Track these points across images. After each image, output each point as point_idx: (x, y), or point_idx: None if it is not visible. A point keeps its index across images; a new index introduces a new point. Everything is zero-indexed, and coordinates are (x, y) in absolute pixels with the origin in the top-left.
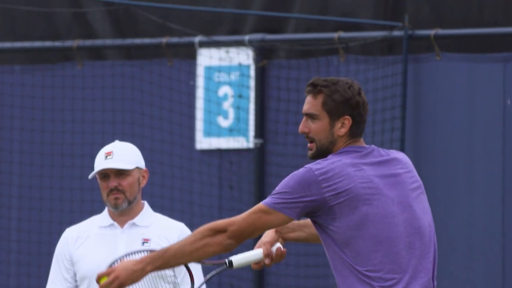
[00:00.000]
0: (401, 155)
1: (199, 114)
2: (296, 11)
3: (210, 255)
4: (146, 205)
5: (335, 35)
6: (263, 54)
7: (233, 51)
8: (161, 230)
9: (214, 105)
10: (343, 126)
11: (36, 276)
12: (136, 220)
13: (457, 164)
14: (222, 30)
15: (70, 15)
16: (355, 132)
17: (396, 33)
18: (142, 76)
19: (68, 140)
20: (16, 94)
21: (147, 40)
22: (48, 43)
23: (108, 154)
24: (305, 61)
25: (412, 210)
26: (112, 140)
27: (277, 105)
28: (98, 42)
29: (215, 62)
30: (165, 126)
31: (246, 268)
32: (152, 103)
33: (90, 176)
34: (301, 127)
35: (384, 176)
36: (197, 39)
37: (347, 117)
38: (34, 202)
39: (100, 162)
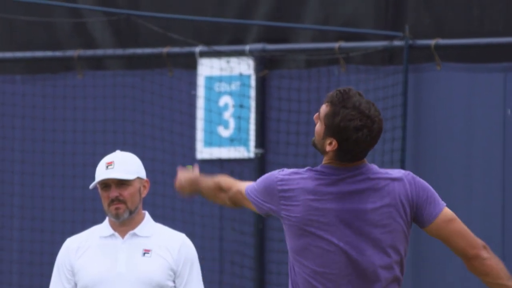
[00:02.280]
0: (392, 187)
1: (200, 124)
2: (296, 21)
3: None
4: (147, 215)
5: (336, 45)
6: (263, 64)
7: (234, 61)
8: (162, 240)
9: (215, 115)
10: (329, 145)
11: (38, 286)
12: (137, 230)
13: (457, 173)
14: (223, 40)
15: (71, 25)
16: (341, 157)
17: (397, 43)
18: (143, 86)
19: (70, 150)
20: (18, 104)
21: (148, 50)
22: (49, 53)
23: (109, 164)
24: (306, 71)
25: (359, 251)
26: (113, 150)
27: (278, 115)
28: (99, 52)
29: (216, 72)
30: (166, 136)
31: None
32: (153, 113)
33: (91, 186)
34: (316, 116)
35: (344, 211)
36: (197, 49)
37: (335, 141)
38: (36, 212)
39: (101, 172)
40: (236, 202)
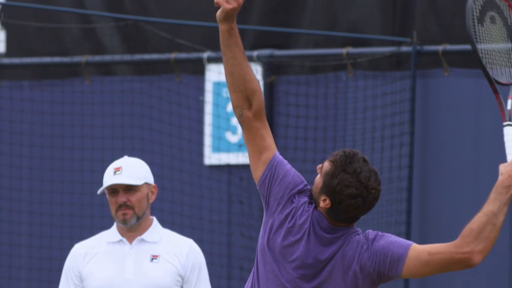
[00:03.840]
0: (351, 252)
1: (208, 130)
2: (301, 27)
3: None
4: (155, 221)
5: (343, 50)
6: (271, 69)
7: None
8: (170, 246)
9: (223, 121)
10: (323, 201)
11: None
12: (145, 236)
13: (464, 178)
14: None
15: (79, 31)
16: (332, 215)
17: (405, 48)
18: (151, 92)
19: (78, 156)
20: (26, 110)
21: (155, 56)
22: (57, 59)
23: (117, 170)
24: (314, 76)
25: None
26: (121, 156)
27: (286, 121)
28: (107, 57)
29: (223, 78)
30: (174, 142)
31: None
32: (161, 118)
33: (99, 192)
34: (319, 166)
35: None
36: (205, 54)
37: (328, 200)
38: (44, 218)
39: (109, 178)
40: (255, 113)
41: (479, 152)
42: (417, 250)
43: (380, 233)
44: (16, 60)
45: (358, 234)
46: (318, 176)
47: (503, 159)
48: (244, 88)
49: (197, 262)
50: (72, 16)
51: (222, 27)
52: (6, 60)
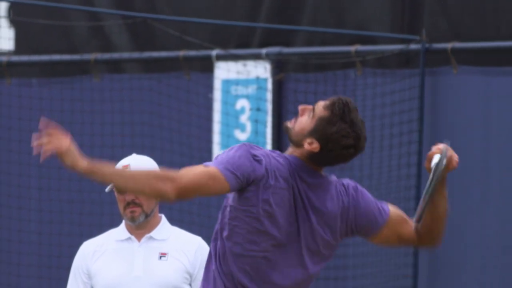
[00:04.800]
0: (331, 205)
1: (217, 127)
2: (309, 24)
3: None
4: (164, 219)
5: (352, 48)
6: (280, 67)
7: (250, 64)
8: (179, 244)
9: (232, 118)
10: (310, 145)
11: None
12: (153, 233)
13: (473, 176)
14: (240, 43)
15: (88, 29)
16: (313, 159)
17: (413, 46)
18: (160, 89)
19: (87, 153)
20: (35, 108)
21: (164, 53)
22: (66, 56)
23: (125, 167)
24: (322, 74)
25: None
26: (131, 153)
27: None
28: (116, 55)
29: (232, 75)
30: (183, 139)
31: None
32: (170, 116)
33: (107, 189)
34: (303, 107)
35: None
36: (214, 52)
37: (318, 145)
38: (53, 216)
39: None
40: (193, 190)
41: (488, 150)
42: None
43: (360, 187)
44: (25, 58)
45: (332, 180)
46: (305, 118)
47: None
48: (160, 192)
49: (206, 259)
50: (81, 14)
51: (81, 173)
52: (15, 58)
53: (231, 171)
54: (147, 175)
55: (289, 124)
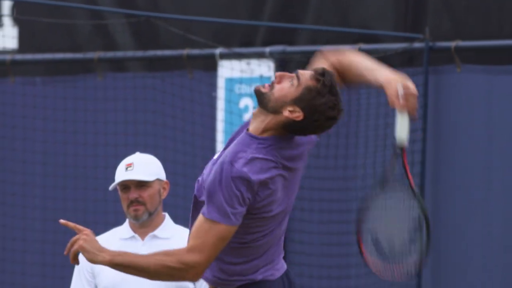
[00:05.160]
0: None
1: (220, 126)
2: (312, 23)
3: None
4: (167, 217)
5: (355, 47)
6: (283, 66)
7: (254, 63)
8: (183, 242)
9: (236, 117)
10: (291, 113)
11: None
12: (157, 232)
13: (476, 175)
14: (243, 42)
15: (91, 27)
16: (292, 129)
17: (417, 45)
18: (164, 88)
19: (91, 152)
20: (38, 106)
21: (168, 52)
22: (69, 55)
23: (128, 166)
24: None
25: None
26: (134, 152)
27: None
28: (119, 54)
29: (236, 74)
30: (187, 138)
31: None
32: (174, 115)
33: (110, 188)
34: (281, 74)
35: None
36: (218, 51)
37: (302, 114)
38: (57, 214)
39: (121, 174)
40: (213, 257)
41: (491, 148)
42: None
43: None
44: (28, 56)
45: None
46: (286, 85)
47: None
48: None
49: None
50: (84, 12)
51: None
52: (19, 56)
53: (232, 214)
54: (168, 268)
55: (262, 89)
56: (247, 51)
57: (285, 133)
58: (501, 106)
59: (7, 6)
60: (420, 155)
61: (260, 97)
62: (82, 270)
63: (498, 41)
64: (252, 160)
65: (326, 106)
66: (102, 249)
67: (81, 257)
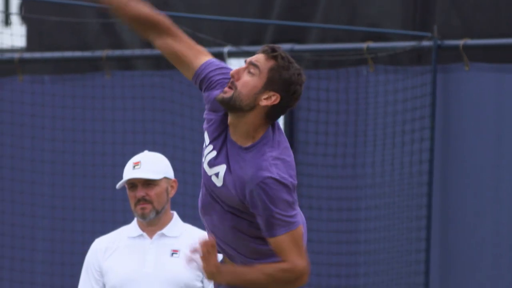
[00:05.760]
0: None
1: None
2: (321, 21)
3: None
4: (175, 216)
5: (364, 45)
6: None
7: None
8: (191, 240)
9: None
10: (267, 99)
11: (70, 286)
12: (165, 230)
13: (485, 173)
14: (251, 40)
15: (99, 25)
16: (274, 114)
17: (425, 43)
18: (172, 86)
19: (99, 150)
20: (47, 104)
21: None
22: (77, 53)
23: (136, 164)
24: (335, 71)
25: None
26: (143, 150)
27: (307, 115)
28: (127, 52)
29: None
30: (196, 136)
31: None
32: (182, 113)
33: (118, 186)
34: (235, 72)
35: None
36: (226, 49)
37: (277, 95)
38: (66, 212)
39: (128, 172)
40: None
41: (500, 146)
42: None
43: None
44: (37, 55)
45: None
46: (248, 78)
47: None
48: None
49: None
50: (92, 11)
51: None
52: (27, 55)
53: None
54: (284, 279)
55: (225, 94)
56: (256, 49)
57: (269, 122)
58: (509, 105)
59: (15, 4)
60: (428, 154)
61: (230, 103)
62: (90, 269)
63: (506, 39)
64: (277, 164)
65: (295, 75)
66: (220, 269)
67: (88, 257)
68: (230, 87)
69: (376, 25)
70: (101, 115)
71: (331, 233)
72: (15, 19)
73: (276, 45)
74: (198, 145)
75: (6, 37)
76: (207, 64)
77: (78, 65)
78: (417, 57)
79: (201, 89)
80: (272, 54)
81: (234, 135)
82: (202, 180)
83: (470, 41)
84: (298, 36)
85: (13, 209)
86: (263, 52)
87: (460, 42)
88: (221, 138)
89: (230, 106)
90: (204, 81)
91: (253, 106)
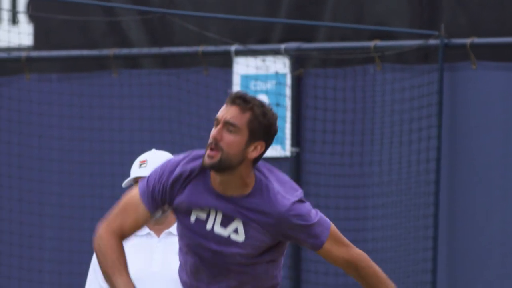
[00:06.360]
0: None
1: None
2: (328, 20)
3: None
4: None
5: (371, 44)
6: (299, 63)
7: (269, 59)
8: None
9: None
10: (255, 150)
11: (77, 285)
12: (173, 229)
13: (493, 172)
14: (258, 39)
15: (106, 24)
16: (259, 159)
17: (432, 41)
18: (179, 85)
19: (107, 149)
20: (54, 103)
21: (183, 49)
22: (84, 52)
23: (142, 163)
24: (342, 70)
25: None
26: (150, 149)
27: (314, 114)
28: (134, 50)
29: (251, 71)
30: (203, 135)
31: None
32: (189, 111)
33: (124, 184)
34: (216, 133)
35: None
36: (233, 47)
37: (262, 142)
38: (74, 211)
39: (134, 170)
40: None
41: (508, 145)
42: None
43: None
44: (44, 53)
45: None
46: (229, 136)
47: None
48: None
49: None
50: (99, 9)
51: None
52: (34, 53)
53: None
54: (375, 267)
55: (211, 159)
56: (263, 48)
57: (255, 164)
58: None
59: (22, 3)
60: (435, 152)
61: (219, 166)
62: (98, 267)
63: None
64: (285, 189)
65: (271, 117)
66: None
67: (94, 257)
68: (214, 149)
69: (383, 24)
70: (109, 113)
71: None
72: (22, 17)
73: (242, 92)
74: (204, 143)
75: (13, 35)
76: (143, 194)
77: (85, 64)
78: (424, 55)
79: (167, 203)
80: (246, 106)
81: (228, 191)
82: (191, 253)
83: (477, 40)
84: (306, 34)
85: (21, 207)
86: (235, 104)
87: (467, 41)
88: (211, 199)
89: (220, 168)
90: (161, 199)
91: (242, 160)
